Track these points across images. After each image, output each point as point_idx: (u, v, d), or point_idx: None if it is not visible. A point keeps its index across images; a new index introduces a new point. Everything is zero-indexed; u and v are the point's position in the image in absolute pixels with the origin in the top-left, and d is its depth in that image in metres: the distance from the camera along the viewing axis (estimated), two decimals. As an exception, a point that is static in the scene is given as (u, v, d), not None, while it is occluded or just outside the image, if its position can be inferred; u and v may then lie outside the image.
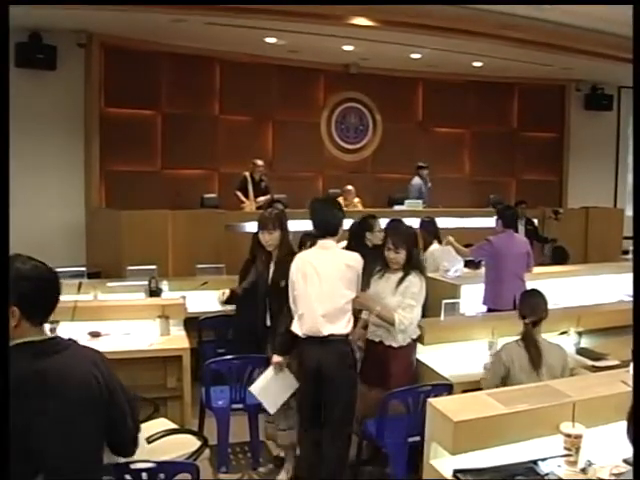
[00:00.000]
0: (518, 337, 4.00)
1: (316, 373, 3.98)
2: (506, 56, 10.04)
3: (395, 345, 4.26)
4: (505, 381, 3.96)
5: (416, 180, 10.92)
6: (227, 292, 4.95)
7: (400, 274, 4.30)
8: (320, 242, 4.15)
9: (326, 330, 3.94)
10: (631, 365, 3.08)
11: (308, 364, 4.03)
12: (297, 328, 4.04)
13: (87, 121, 9.37)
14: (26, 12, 7.28)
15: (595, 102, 12.76)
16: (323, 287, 3.97)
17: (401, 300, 4.20)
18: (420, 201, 10.59)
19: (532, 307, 4.05)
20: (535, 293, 4.17)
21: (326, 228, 4.14)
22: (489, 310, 5.67)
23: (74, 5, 7.27)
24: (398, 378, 4.21)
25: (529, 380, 3.83)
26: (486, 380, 4.03)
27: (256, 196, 9.30)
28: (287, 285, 4.13)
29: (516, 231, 6.34)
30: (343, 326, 4.00)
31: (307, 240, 4.90)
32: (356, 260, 4.10)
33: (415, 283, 4.25)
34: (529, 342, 3.94)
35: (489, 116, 12.41)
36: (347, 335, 4.07)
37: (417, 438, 3.97)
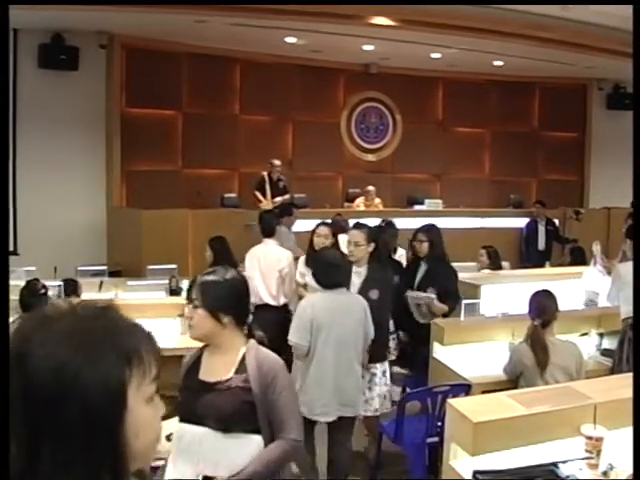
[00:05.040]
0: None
1: None
2: (527, 55, 9.97)
3: None
4: (520, 380, 3.96)
5: None
6: None
7: None
8: None
9: None
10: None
11: None
12: None
13: (108, 121, 9.44)
14: (49, 14, 7.36)
15: (617, 101, 12.61)
16: None
17: None
18: (439, 201, 10.59)
19: (541, 308, 4.02)
20: (545, 294, 4.11)
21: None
22: None
23: (95, 6, 7.31)
24: None
25: (539, 380, 3.81)
26: (507, 372, 4.12)
27: (274, 196, 9.31)
28: None
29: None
30: None
31: None
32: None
33: None
34: (535, 343, 3.92)
35: (510, 116, 12.32)
36: None
37: (436, 439, 3.97)
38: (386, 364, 4.49)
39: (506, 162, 12.36)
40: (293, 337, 3.88)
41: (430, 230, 5.29)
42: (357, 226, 4.86)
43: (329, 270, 3.95)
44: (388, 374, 4.50)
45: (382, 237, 5.18)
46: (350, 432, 4.10)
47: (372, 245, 4.57)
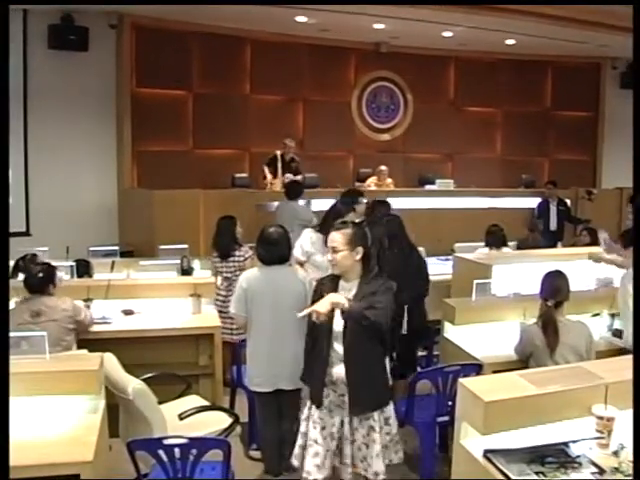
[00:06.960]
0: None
1: None
2: (540, 33, 9.85)
3: None
4: (530, 360, 3.95)
5: None
6: None
7: None
8: None
9: None
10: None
11: None
12: None
13: (119, 102, 9.44)
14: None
15: (631, 80, 12.47)
16: None
17: None
18: (451, 181, 10.56)
19: (552, 289, 4.00)
20: (557, 274, 4.09)
21: None
22: None
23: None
24: None
25: (549, 360, 3.81)
26: (517, 352, 4.11)
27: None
28: None
29: None
30: None
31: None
32: None
33: None
34: (546, 324, 3.91)
35: (522, 95, 12.22)
36: None
37: (446, 418, 3.99)
38: (388, 409, 3.49)
39: (518, 142, 12.28)
40: (232, 308, 4.19)
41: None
42: (340, 226, 3.51)
43: (269, 247, 4.13)
44: (393, 420, 3.52)
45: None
46: (290, 406, 4.13)
47: (360, 251, 3.37)
